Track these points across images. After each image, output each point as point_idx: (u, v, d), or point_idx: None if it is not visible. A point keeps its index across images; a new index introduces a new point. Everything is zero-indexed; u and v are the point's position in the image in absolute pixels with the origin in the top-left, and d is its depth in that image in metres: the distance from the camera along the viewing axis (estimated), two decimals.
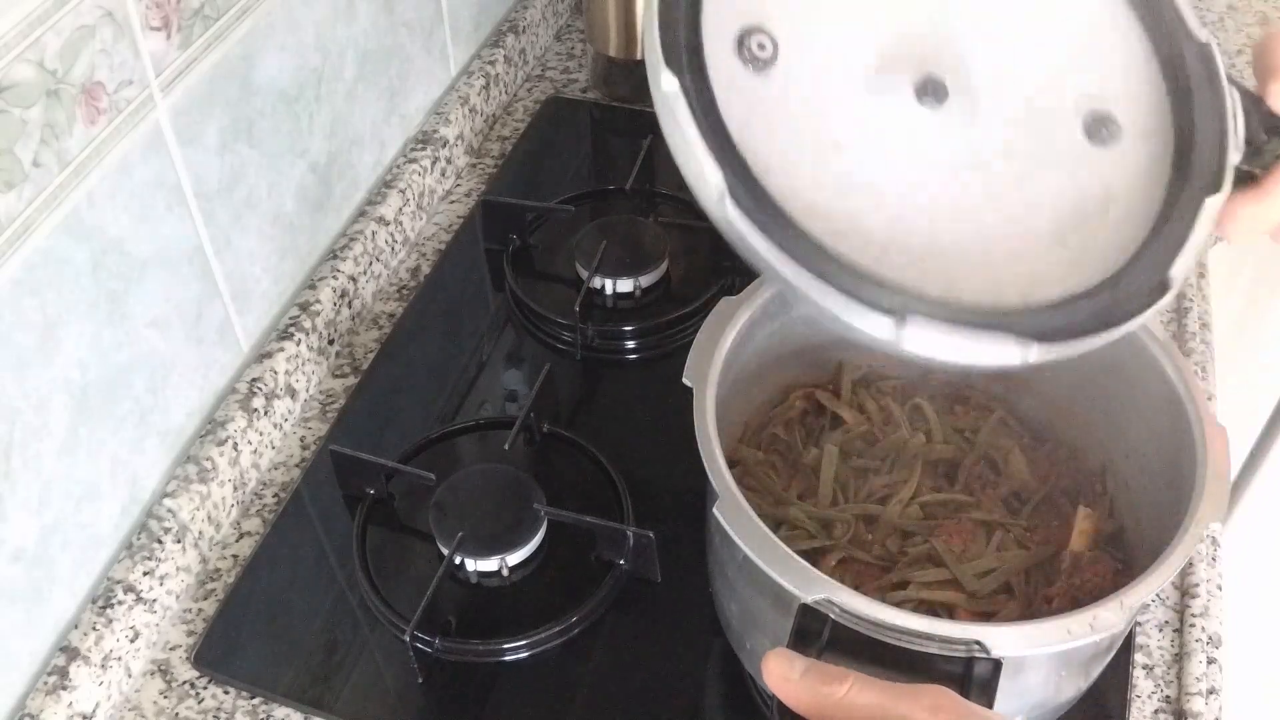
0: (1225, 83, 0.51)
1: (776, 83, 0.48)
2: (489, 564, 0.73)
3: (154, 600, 0.72)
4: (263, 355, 0.82)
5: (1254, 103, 0.51)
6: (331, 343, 0.89)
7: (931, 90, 0.49)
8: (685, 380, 0.62)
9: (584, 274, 0.90)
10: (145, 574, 0.71)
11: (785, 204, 0.46)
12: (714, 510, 0.56)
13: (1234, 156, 0.51)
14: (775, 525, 0.66)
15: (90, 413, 0.68)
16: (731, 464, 0.60)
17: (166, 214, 0.71)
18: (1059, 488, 0.70)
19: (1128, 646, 0.70)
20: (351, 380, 0.88)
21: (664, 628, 0.72)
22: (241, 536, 0.78)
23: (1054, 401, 0.72)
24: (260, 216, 0.81)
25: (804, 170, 0.48)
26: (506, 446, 0.78)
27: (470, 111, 1.05)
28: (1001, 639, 0.51)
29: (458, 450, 0.81)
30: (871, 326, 0.45)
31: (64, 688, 0.65)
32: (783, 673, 0.45)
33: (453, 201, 1.03)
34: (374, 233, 0.92)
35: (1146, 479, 0.65)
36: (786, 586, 0.53)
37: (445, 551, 0.72)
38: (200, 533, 0.76)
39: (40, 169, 0.60)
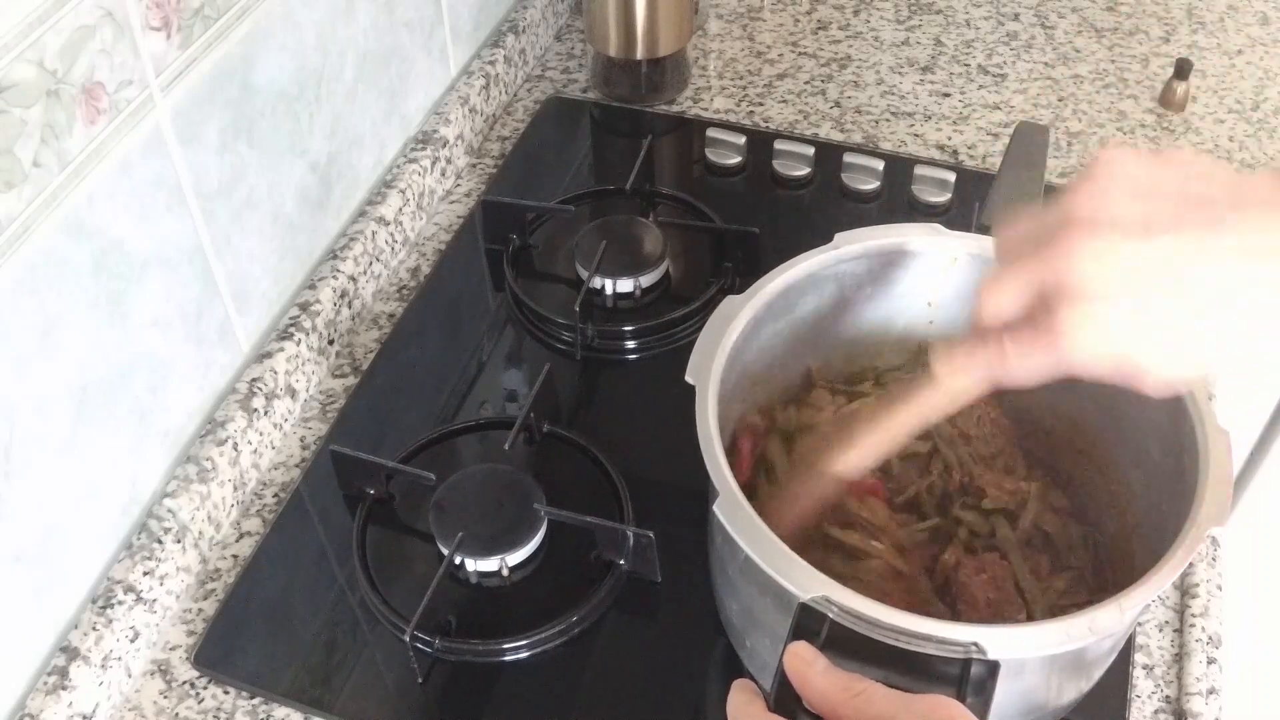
0: None
1: None
2: (489, 564, 0.73)
3: (154, 600, 0.72)
4: (263, 355, 0.82)
5: None
6: (331, 343, 0.89)
7: None
8: (688, 378, 0.62)
9: (584, 274, 0.90)
10: (145, 574, 0.71)
11: None
12: (714, 509, 0.57)
13: None
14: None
15: (90, 413, 0.68)
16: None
17: (166, 214, 0.71)
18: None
19: (1128, 647, 0.70)
20: (351, 380, 0.88)
21: (664, 628, 0.73)
22: (241, 536, 0.78)
23: (1056, 401, 0.72)
24: (260, 216, 0.81)
25: None
26: (506, 446, 0.78)
27: (470, 111, 1.05)
28: (999, 641, 0.51)
29: (458, 450, 0.81)
30: None
31: (64, 688, 0.65)
32: (807, 659, 0.47)
33: (453, 201, 1.03)
34: (374, 233, 0.92)
35: (1148, 480, 0.65)
36: (785, 585, 0.53)
37: (445, 551, 0.72)
38: (200, 533, 0.76)
39: (40, 169, 0.60)
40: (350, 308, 0.90)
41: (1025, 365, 0.50)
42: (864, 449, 0.61)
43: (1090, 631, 0.52)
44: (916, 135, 1.07)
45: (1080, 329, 0.47)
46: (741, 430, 0.70)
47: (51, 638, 0.68)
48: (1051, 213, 0.49)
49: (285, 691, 0.70)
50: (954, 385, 0.55)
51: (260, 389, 0.81)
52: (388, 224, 0.94)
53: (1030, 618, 0.64)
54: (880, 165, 1.00)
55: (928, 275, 0.70)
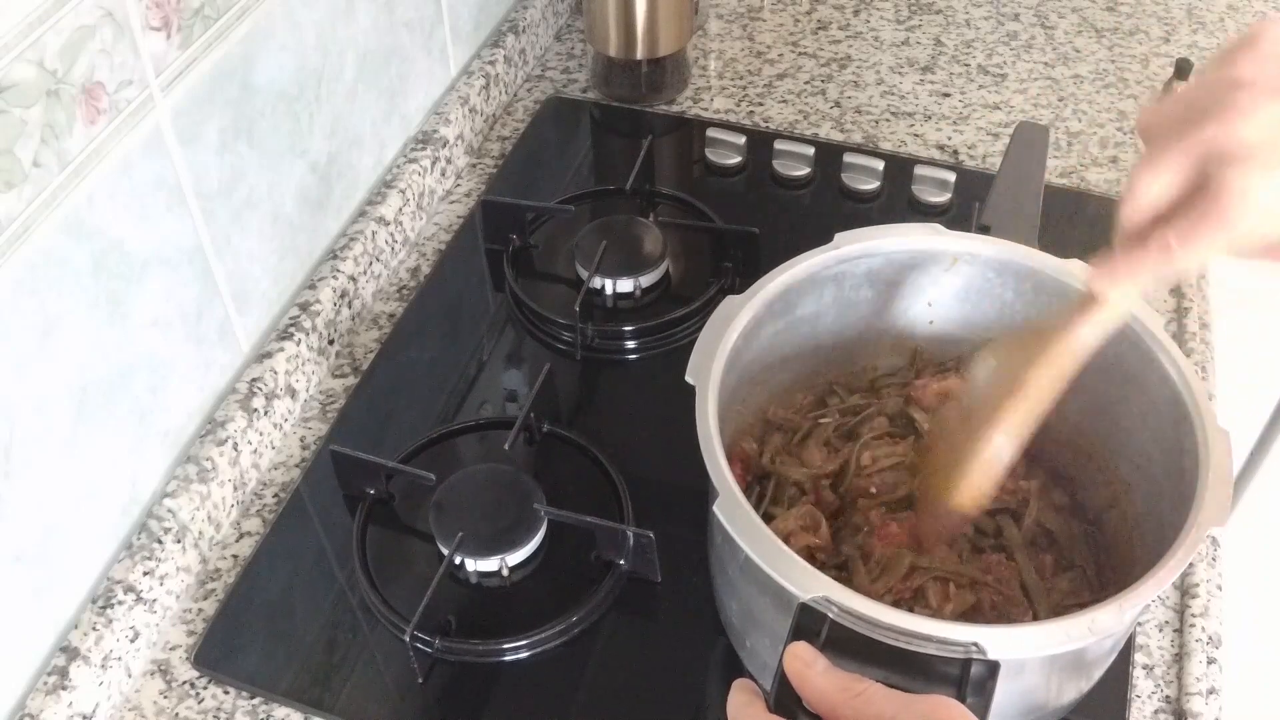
0: None
1: None
2: (489, 564, 0.73)
3: (154, 600, 0.72)
4: (263, 355, 0.82)
5: None
6: (331, 343, 0.89)
7: None
8: (688, 378, 0.62)
9: (584, 274, 0.90)
10: (145, 574, 0.71)
11: None
12: (714, 509, 0.57)
13: None
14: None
15: (90, 413, 0.68)
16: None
17: (166, 214, 0.71)
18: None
19: (1128, 647, 0.70)
20: (351, 380, 0.88)
21: (664, 628, 0.73)
22: (241, 536, 0.78)
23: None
24: (260, 216, 0.81)
25: None
26: (506, 446, 0.78)
27: (470, 111, 1.05)
28: (999, 641, 0.51)
29: (458, 450, 0.81)
30: None
31: (64, 688, 0.65)
32: (807, 659, 0.47)
33: (453, 201, 1.03)
34: (374, 233, 0.92)
35: (1148, 479, 0.65)
36: (785, 585, 0.53)
37: (445, 551, 0.72)
38: (200, 533, 0.76)
39: (40, 169, 0.60)
40: (350, 308, 0.90)
41: (1192, 251, 0.47)
42: (1031, 401, 0.57)
43: (1090, 631, 0.52)
44: (916, 135, 1.07)
45: (1257, 192, 0.44)
46: (734, 453, 0.69)
47: (51, 638, 0.68)
48: (1207, 84, 0.46)
49: (285, 691, 0.70)
50: (1121, 298, 0.52)
51: (260, 389, 0.81)
52: (388, 224, 0.94)
53: (1035, 618, 0.64)
54: (880, 165, 1.00)
55: (928, 275, 0.70)
